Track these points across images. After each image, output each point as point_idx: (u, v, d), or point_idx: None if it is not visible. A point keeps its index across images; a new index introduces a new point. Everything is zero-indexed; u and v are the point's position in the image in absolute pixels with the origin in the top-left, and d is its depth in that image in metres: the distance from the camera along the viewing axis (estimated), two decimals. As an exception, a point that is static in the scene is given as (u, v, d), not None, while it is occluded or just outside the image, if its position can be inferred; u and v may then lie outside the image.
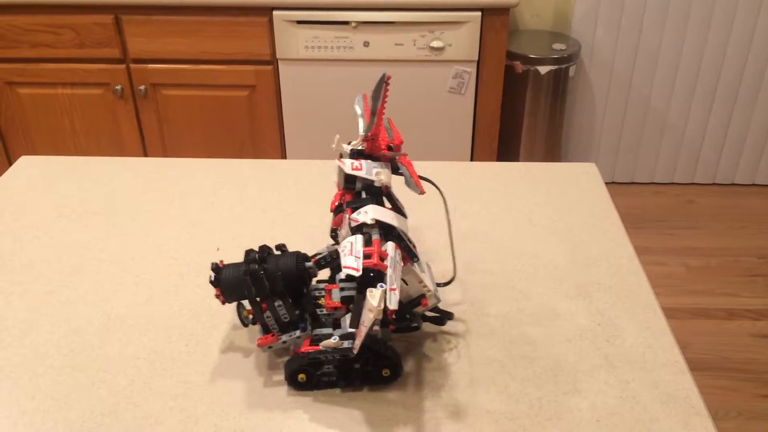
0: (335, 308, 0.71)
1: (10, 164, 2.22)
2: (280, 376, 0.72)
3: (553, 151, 2.45)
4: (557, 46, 2.31)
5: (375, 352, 0.69)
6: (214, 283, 0.70)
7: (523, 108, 2.35)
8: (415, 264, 0.70)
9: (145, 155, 2.21)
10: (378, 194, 0.70)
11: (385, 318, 0.71)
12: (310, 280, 0.72)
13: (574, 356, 0.74)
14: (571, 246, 0.92)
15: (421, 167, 1.11)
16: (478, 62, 2.03)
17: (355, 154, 0.70)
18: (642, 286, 0.84)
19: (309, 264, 0.71)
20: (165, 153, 2.20)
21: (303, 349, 0.69)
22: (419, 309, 0.72)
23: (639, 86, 2.52)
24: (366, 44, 1.99)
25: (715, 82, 2.50)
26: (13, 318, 0.80)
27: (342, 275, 0.61)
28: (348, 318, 0.71)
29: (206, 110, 2.13)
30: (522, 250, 0.91)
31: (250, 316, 0.72)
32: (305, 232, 0.96)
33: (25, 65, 2.05)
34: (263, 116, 2.13)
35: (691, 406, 0.68)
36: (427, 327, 0.79)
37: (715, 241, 2.34)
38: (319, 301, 0.74)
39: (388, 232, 0.67)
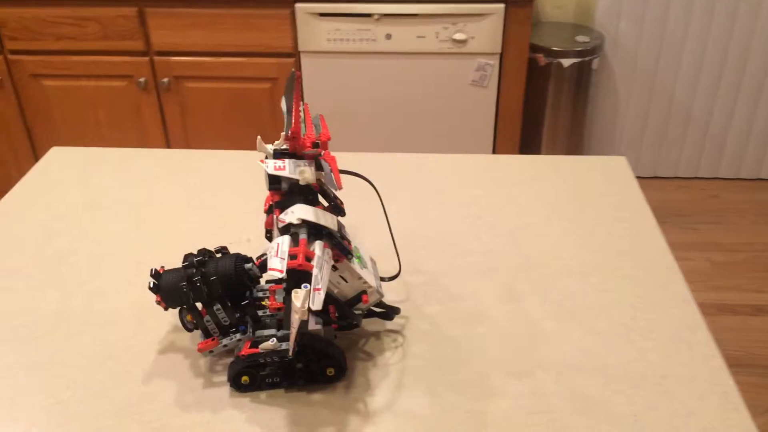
0: (278, 309, 0.71)
1: (36, 155, 2.24)
2: (222, 377, 0.72)
3: (575, 144, 2.43)
4: (580, 38, 2.29)
5: (318, 351, 0.69)
6: (154, 289, 0.69)
7: (545, 101, 2.33)
8: (354, 260, 0.70)
9: (168, 147, 2.22)
10: (308, 193, 0.69)
11: (328, 317, 0.71)
12: (252, 282, 0.72)
13: (608, 350, 0.74)
14: (602, 240, 0.91)
15: (443, 160, 1.10)
16: (501, 55, 2.02)
17: (279, 154, 0.69)
18: (676, 280, 0.83)
19: (248, 266, 0.71)
20: (187, 145, 2.21)
21: (243, 352, 0.69)
22: (361, 305, 0.72)
23: (663, 79, 2.49)
24: (388, 37, 1.99)
25: (740, 75, 2.47)
26: (46, 308, 0.81)
27: (270, 275, 0.62)
28: None
29: (228, 102, 2.13)
30: (551, 244, 0.90)
31: (193, 321, 0.71)
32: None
33: (50, 57, 2.07)
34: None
35: (729, 402, 0.67)
36: (374, 324, 0.78)
37: (739, 237, 2.32)
38: (264, 302, 0.74)
39: (318, 231, 0.67)
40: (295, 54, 2.04)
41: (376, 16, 1.96)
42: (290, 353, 0.66)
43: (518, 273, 0.85)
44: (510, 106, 2.11)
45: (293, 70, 0.66)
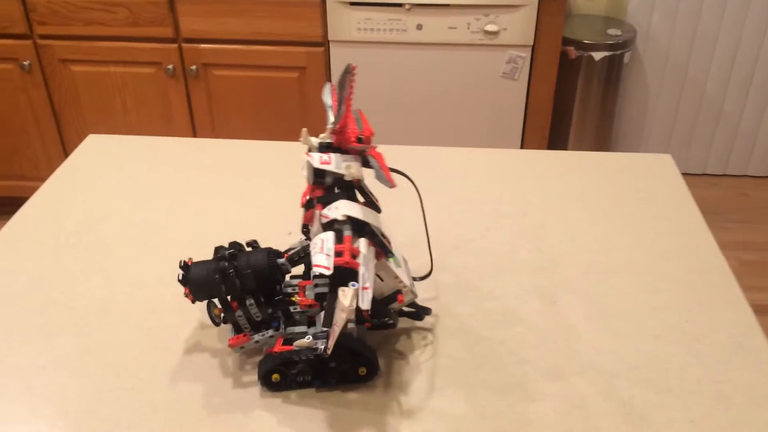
0: (309, 306, 0.69)
1: (62, 140, 2.24)
2: (251, 377, 0.70)
3: (603, 140, 2.40)
4: (612, 31, 2.26)
5: (351, 350, 0.67)
6: (183, 281, 0.68)
7: (574, 95, 2.30)
8: (390, 259, 0.68)
9: (194, 135, 2.22)
10: (349, 188, 0.67)
11: (361, 315, 0.69)
12: (283, 277, 0.70)
13: (664, 354, 0.72)
14: (649, 240, 0.89)
15: (477, 154, 1.08)
16: (533, 47, 1.99)
17: (324, 148, 0.67)
18: (729, 282, 0.82)
19: (281, 260, 0.69)
20: (214, 133, 2.20)
21: (276, 349, 0.67)
22: (395, 305, 0.70)
23: (694, 74, 2.46)
24: (419, 27, 1.97)
25: (774, 72, 2.43)
26: (92, 296, 0.81)
27: (316, 272, 0.60)
28: (322, 316, 0.68)
29: (256, 91, 2.12)
30: (597, 243, 0.89)
31: (222, 315, 0.70)
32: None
33: (79, 43, 2.06)
34: (313, 98, 2.11)
35: (789, 410, 0.66)
36: (404, 322, 0.77)
37: (769, 236, 2.28)
38: (293, 298, 0.72)
39: (360, 228, 0.65)
40: (324, 43, 2.02)
41: (407, 6, 1.94)
42: (328, 351, 0.64)
43: (564, 272, 0.84)
44: (540, 100, 2.08)
45: (349, 63, 0.64)
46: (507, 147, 2.16)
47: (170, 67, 2.08)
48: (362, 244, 0.63)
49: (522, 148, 2.18)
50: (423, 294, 0.81)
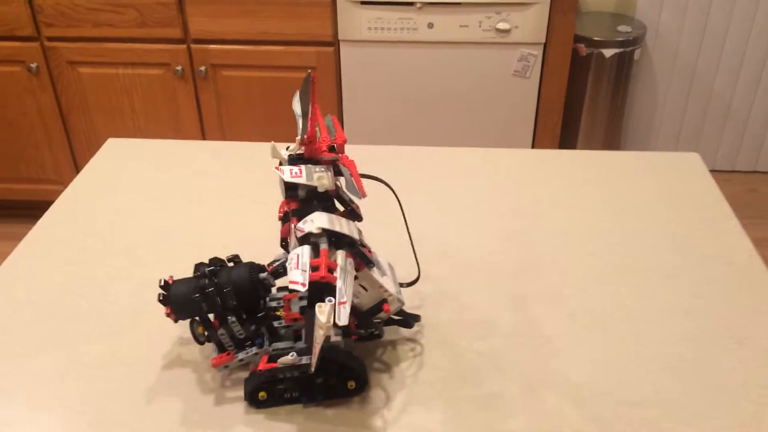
0: (295, 320, 0.68)
1: (70, 143, 2.23)
2: (234, 392, 0.68)
3: (612, 137, 2.39)
4: (622, 28, 2.25)
5: (338, 364, 0.65)
6: (163, 301, 0.66)
7: (584, 92, 2.29)
8: (374, 268, 0.67)
9: (203, 137, 2.20)
10: (326, 199, 0.66)
11: (348, 328, 0.68)
12: (267, 292, 0.68)
13: (705, 357, 0.71)
14: (683, 241, 0.88)
15: (492, 154, 1.07)
16: (545, 45, 1.98)
17: (295, 160, 0.66)
18: (766, 283, 0.81)
19: (263, 275, 0.67)
20: (223, 134, 2.19)
21: (261, 367, 0.65)
22: (382, 314, 0.69)
23: (703, 71, 2.45)
24: (430, 26, 1.95)
25: (783, 68, 2.42)
26: (122, 303, 0.79)
27: (291, 288, 0.58)
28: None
29: (266, 92, 2.11)
30: (629, 245, 0.88)
31: (205, 333, 0.68)
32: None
33: (87, 44, 2.05)
34: (323, 98, 2.10)
35: (839, 415, 0.65)
36: (389, 332, 0.75)
37: (781, 232, 2.28)
38: (278, 312, 0.70)
39: (338, 239, 0.63)
40: (334, 43, 2.01)
41: (418, 5, 1.92)
42: (312, 369, 0.63)
43: (600, 275, 0.83)
44: (552, 98, 2.07)
45: (309, 71, 0.62)
46: (518, 146, 2.15)
47: (179, 68, 2.06)
48: (339, 256, 0.62)
49: (533, 146, 2.17)
50: (409, 302, 0.79)
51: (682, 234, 0.89)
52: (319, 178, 0.64)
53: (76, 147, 2.24)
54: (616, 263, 0.84)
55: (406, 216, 0.82)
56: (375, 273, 0.67)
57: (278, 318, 0.70)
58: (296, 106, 0.69)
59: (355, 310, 0.68)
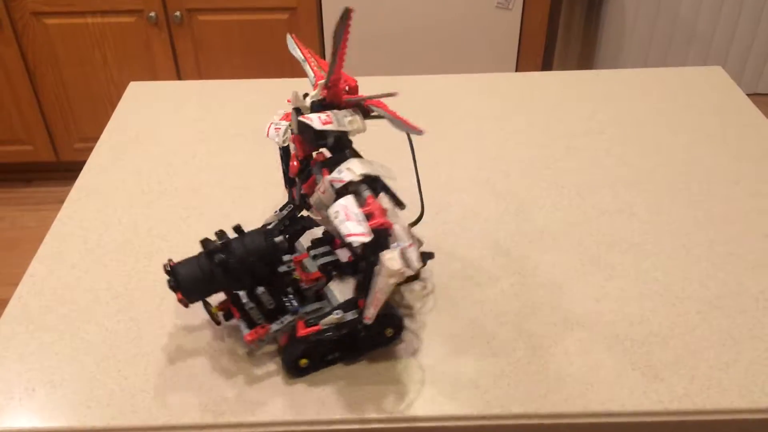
0: (316, 279, 0.64)
1: (38, 99, 2.12)
2: (262, 368, 0.64)
3: (586, 62, 2.43)
4: (594, -44, 2.26)
5: (380, 314, 0.62)
6: (174, 286, 0.60)
7: (558, 19, 2.31)
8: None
9: (181, 85, 2.13)
10: (346, 146, 0.62)
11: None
12: (284, 255, 0.64)
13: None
14: (736, 153, 0.92)
15: (495, 79, 1.09)
16: (526, -26, 1.98)
17: (317, 107, 0.61)
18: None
19: (279, 238, 0.62)
20: (201, 82, 2.12)
21: (301, 333, 0.61)
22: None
23: (669, -4, 2.50)
24: (412, -41, 1.92)
25: (744, -11, 2.49)
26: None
27: (354, 242, 0.54)
28: (334, 288, 0.64)
29: (244, 35, 2.05)
30: (685, 160, 0.91)
31: (220, 313, 0.64)
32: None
33: (52, -7, 1.94)
34: (304, 40, 2.06)
35: None
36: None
37: None
38: (294, 276, 0.65)
39: (374, 183, 0.59)
40: (314, -20, 1.96)
41: (400, -62, 1.89)
42: (370, 320, 0.58)
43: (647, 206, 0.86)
44: (534, 28, 2.09)
45: (347, 7, 0.56)
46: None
47: (152, 14, 1.98)
48: (384, 200, 0.58)
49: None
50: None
51: (735, 145, 0.93)
52: (351, 122, 0.60)
53: (45, 104, 2.14)
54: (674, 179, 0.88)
55: (414, 151, 0.72)
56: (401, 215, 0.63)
57: (297, 281, 0.65)
58: (295, 50, 0.66)
59: None
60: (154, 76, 2.10)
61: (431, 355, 0.65)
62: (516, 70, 2.17)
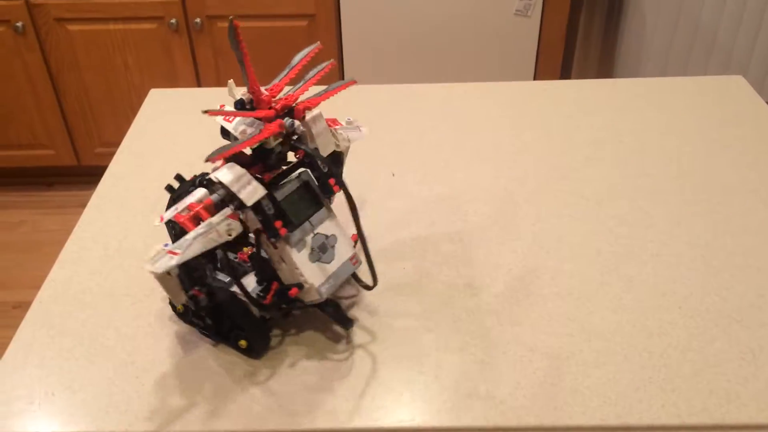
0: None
1: (60, 104, 2.15)
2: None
3: (606, 71, 2.42)
4: (614, -37, 2.25)
5: (232, 318, 0.65)
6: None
7: (577, 27, 2.30)
8: (292, 248, 0.61)
9: (200, 91, 2.15)
10: (267, 156, 0.62)
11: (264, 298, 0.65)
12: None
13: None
14: (756, 164, 0.91)
15: (513, 87, 1.08)
16: (545, -18, 1.98)
17: (238, 104, 0.62)
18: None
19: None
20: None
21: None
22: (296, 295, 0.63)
23: (690, 4, 2.48)
24: (431, -34, 1.93)
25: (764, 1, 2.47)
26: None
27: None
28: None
29: (263, 42, 2.06)
30: (712, 173, 0.90)
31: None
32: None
33: (75, 0, 1.97)
34: (323, 41, 2.07)
35: None
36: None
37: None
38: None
39: (236, 199, 0.59)
40: (334, -12, 1.97)
41: (419, -55, 1.89)
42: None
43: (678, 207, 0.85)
44: (553, 36, 2.08)
45: (231, 17, 0.57)
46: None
47: (173, 21, 2.00)
48: (219, 215, 0.58)
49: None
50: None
51: (764, 160, 0.93)
52: (242, 131, 0.59)
53: (67, 109, 2.17)
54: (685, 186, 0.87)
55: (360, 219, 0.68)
56: (293, 252, 0.61)
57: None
58: (296, 57, 0.71)
59: (278, 279, 0.64)
60: (174, 81, 2.12)
61: (446, 365, 0.65)
62: (534, 78, 2.16)
